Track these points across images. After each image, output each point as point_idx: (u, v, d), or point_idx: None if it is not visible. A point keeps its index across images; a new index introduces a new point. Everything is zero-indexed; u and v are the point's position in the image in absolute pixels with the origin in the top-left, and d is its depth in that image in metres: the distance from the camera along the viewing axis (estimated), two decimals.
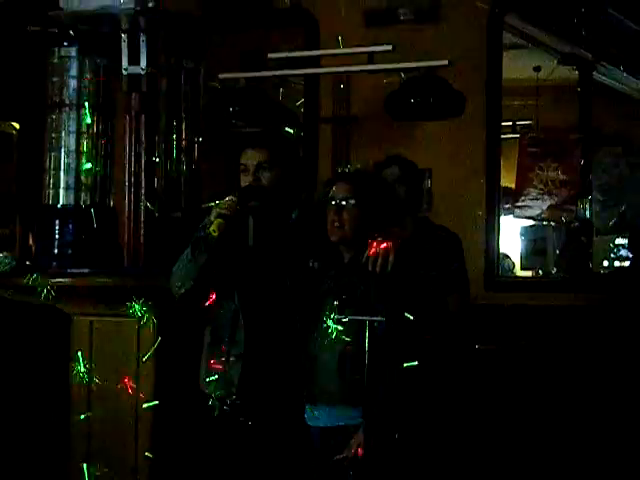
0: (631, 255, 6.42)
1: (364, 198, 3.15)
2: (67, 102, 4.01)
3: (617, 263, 6.84)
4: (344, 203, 3.13)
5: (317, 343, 3.09)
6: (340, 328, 3.00)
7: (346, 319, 3.01)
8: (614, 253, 6.87)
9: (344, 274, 3.15)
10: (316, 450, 3.11)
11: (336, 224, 3.13)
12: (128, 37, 3.92)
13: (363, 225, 3.14)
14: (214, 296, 3.25)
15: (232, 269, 3.19)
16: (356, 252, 3.14)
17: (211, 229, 3.01)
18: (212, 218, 3.05)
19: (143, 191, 3.97)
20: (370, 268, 3.03)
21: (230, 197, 3.09)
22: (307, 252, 3.22)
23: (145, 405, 3.66)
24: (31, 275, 3.76)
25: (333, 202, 3.15)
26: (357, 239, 3.14)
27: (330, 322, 3.02)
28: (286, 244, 3.22)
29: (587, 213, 6.77)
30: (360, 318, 2.98)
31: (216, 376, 3.20)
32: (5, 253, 3.99)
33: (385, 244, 3.05)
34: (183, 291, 3.22)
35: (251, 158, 3.19)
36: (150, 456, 3.68)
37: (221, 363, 3.20)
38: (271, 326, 3.18)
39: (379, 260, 3.04)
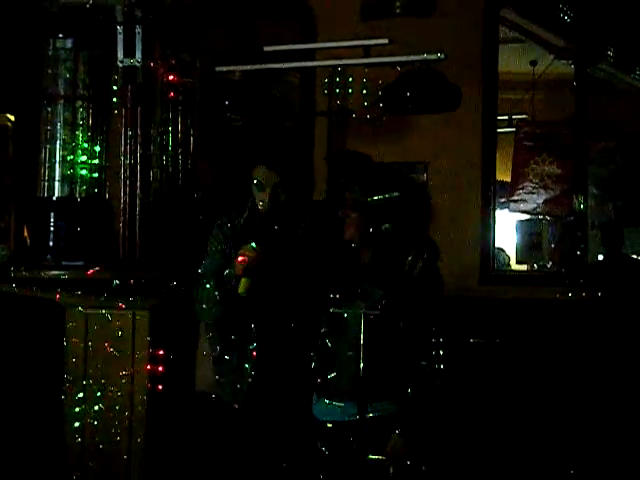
0: (605, 250, 6.41)
1: (373, 197, 3.11)
2: (62, 94, 4.00)
3: None
4: (352, 203, 3.12)
5: (332, 339, 3.10)
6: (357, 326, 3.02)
7: (340, 311, 3.02)
8: None
9: (364, 274, 3.14)
10: (325, 445, 3.12)
11: (347, 223, 3.14)
12: (124, 29, 3.92)
13: (371, 224, 3.11)
14: None
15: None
16: (375, 252, 3.13)
17: (240, 291, 3.03)
18: (237, 272, 3.04)
19: (138, 184, 3.97)
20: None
21: (251, 246, 3.07)
22: (320, 258, 3.23)
23: None
24: (25, 267, 3.75)
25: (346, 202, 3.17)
26: (371, 238, 3.12)
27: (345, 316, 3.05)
28: (296, 255, 3.23)
29: (582, 207, 6.78)
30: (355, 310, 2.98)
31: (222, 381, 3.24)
32: (0, 245, 3.99)
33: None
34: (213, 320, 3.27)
35: (267, 177, 3.20)
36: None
37: (229, 371, 3.23)
38: (283, 338, 3.21)
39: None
